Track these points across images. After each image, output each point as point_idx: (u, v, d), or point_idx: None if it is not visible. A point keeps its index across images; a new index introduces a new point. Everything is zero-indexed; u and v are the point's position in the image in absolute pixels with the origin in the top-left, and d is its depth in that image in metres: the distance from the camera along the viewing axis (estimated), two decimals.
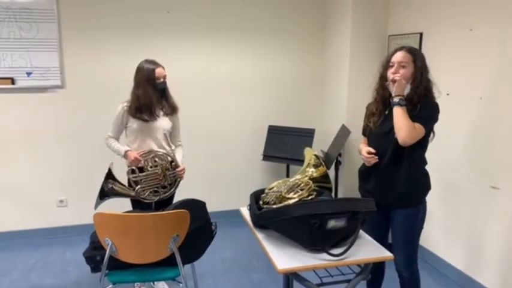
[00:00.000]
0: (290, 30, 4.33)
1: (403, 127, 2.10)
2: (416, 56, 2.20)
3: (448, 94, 3.23)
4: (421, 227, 2.36)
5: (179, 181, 2.81)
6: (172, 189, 2.79)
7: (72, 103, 3.85)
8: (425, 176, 2.35)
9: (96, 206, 2.65)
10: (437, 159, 3.37)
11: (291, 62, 4.40)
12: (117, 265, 2.26)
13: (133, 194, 2.69)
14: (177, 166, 2.78)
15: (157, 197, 2.74)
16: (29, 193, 3.89)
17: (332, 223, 1.76)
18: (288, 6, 4.28)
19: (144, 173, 2.69)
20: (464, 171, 3.10)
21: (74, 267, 3.41)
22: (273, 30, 4.28)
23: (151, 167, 2.70)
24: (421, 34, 3.48)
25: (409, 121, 2.12)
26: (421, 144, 2.23)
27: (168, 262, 2.27)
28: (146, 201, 2.72)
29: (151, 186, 2.71)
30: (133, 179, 2.68)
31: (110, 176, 2.66)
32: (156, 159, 2.71)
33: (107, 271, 2.25)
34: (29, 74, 3.69)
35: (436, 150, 3.35)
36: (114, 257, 2.21)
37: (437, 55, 3.33)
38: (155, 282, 3.04)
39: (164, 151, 2.77)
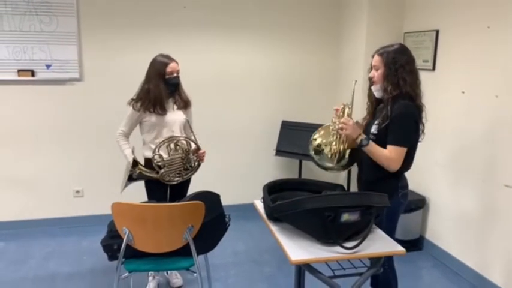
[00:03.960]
0: (305, 27, 4.34)
1: (380, 161, 2.17)
2: (383, 56, 2.23)
3: (463, 92, 3.22)
4: (388, 223, 2.24)
5: (200, 164, 2.85)
6: (194, 171, 2.83)
7: (89, 95, 3.93)
8: (395, 180, 2.26)
9: (122, 190, 2.72)
10: (450, 157, 3.37)
11: (305, 59, 4.41)
12: (133, 254, 2.32)
13: (156, 176, 2.72)
14: (198, 149, 2.81)
15: (180, 178, 2.78)
16: (47, 183, 3.99)
17: (346, 216, 1.79)
18: (304, 3, 4.29)
19: (169, 158, 2.73)
20: (479, 169, 3.09)
21: (89, 256, 3.49)
22: (288, 27, 4.29)
23: (175, 151, 2.74)
24: (437, 31, 3.46)
25: (383, 153, 2.16)
26: None
27: (182, 252, 2.32)
28: (169, 182, 2.76)
29: (175, 170, 2.75)
30: (158, 164, 2.72)
31: (136, 162, 2.72)
32: (179, 143, 2.75)
33: (123, 259, 2.30)
34: (48, 66, 3.77)
35: (449, 148, 3.36)
36: (130, 246, 2.26)
37: (453, 53, 3.32)
38: (168, 272, 3.10)
39: (185, 136, 2.82)
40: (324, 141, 2.29)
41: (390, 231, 2.15)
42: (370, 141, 2.18)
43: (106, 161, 4.02)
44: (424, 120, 2.26)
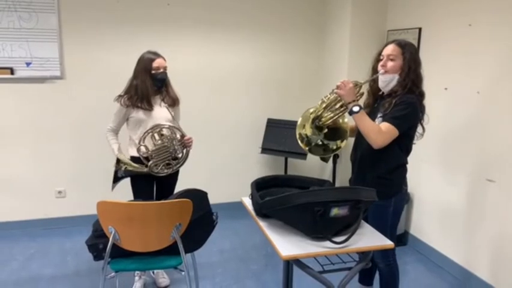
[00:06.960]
0: (290, 25, 4.35)
1: (369, 132, 2.13)
2: (405, 49, 2.19)
3: (446, 88, 3.27)
4: (394, 219, 2.35)
5: (188, 151, 2.82)
6: (183, 161, 2.81)
7: (71, 94, 3.85)
8: (398, 172, 2.30)
9: (112, 188, 2.71)
10: (434, 153, 3.42)
11: (290, 57, 4.42)
12: (119, 253, 2.28)
13: (145, 170, 2.70)
14: (183, 136, 2.79)
15: (170, 169, 2.76)
16: (28, 184, 3.89)
17: (335, 211, 1.79)
18: (288, 2, 4.29)
19: (154, 148, 2.71)
20: (461, 164, 3.14)
21: (73, 258, 3.42)
22: (272, 25, 4.29)
23: (159, 140, 2.72)
24: (420, 29, 3.51)
25: (373, 125, 2.14)
26: (398, 143, 2.21)
27: (169, 251, 2.30)
28: (159, 175, 2.74)
29: (163, 160, 2.73)
30: (144, 156, 2.70)
31: (119, 160, 2.70)
32: (163, 131, 2.73)
33: (109, 259, 2.26)
34: (28, 64, 3.68)
35: (433, 144, 3.41)
36: (116, 245, 2.23)
37: (436, 50, 3.37)
38: (155, 272, 3.06)
39: (169, 124, 2.78)
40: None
41: (394, 227, 2.22)
42: (362, 110, 2.13)
43: (89, 161, 3.95)
44: (423, 120, 2.29)
